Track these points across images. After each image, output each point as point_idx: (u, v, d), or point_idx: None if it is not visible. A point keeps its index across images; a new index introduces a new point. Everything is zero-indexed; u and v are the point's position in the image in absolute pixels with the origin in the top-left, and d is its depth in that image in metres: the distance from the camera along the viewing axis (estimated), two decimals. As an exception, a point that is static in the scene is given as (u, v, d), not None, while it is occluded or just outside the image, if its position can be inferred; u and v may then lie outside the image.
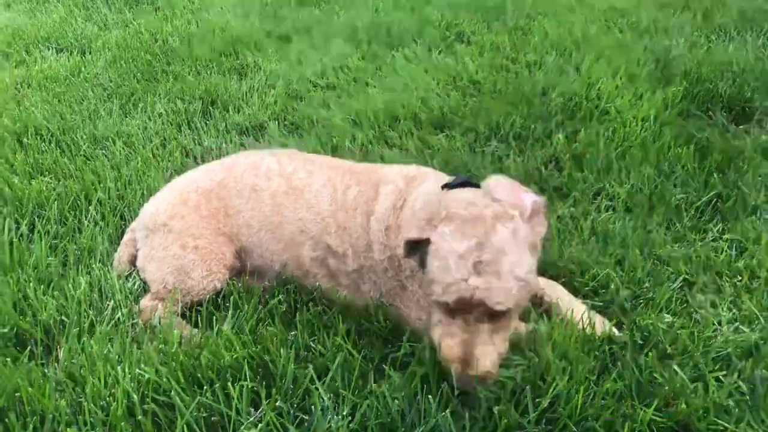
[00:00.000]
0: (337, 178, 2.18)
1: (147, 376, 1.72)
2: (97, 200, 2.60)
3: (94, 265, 2.23)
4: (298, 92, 3.70)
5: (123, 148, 3.08)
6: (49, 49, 4.46)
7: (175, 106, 3.52)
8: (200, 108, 3.52)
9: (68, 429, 1.62)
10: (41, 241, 2.32)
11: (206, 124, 3.36)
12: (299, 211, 2.15)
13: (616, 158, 2.83)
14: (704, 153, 2.83)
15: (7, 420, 1.66)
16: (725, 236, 2.37)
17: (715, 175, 2.65)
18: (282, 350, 1.80)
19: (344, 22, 4.70)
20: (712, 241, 2.38)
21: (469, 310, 1.65)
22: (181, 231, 2.16)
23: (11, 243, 2.31)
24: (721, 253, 2.28)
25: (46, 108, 3.50)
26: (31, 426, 1.64)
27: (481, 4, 4.98)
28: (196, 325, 2.05)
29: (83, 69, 4.04)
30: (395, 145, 3.09)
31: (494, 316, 1.65)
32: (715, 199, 2.55)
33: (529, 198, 1.80)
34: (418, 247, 1.78)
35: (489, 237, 1.66)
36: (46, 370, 1.83)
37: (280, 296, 2.07)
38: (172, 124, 3.35)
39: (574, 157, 2.87)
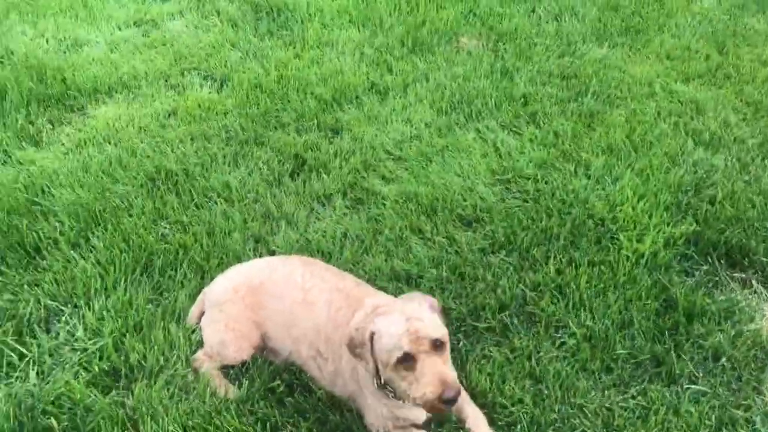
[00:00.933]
0: (335, 300, 2.99)
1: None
2: (189, 259, 3.62)
3: (171, 322, 3.27)
4: (373, 163, 4.46)
5: (222, 203, 4.08)
6: (198, 75, 5.53)
7: (273, 161, 4.44)
8: (291, 168, 4.41)
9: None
10: (142, 293, 3.39)
11: (292, 185, 4.25)
12: (306, 320, 3.01)
13: (594, 296, 3.41)
14: (667, 310, 3.34)
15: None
16: (638, 398, 2.96)
17: (665, 335, 3.20)
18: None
19: (437, 82, 5.33)
20: (631, 398, 2.98)
21: (418, 352, 2.40)
22: (229, 315, 3.11)
23: (125, 289, 3.41)
24: (625, 413, 2.89)
25: (180, 148, 4.55)
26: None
27: (569, 74, 5.39)
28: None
29: (218, 105, 5.05)
30: (425, 237, 3.83)
31: (437, 348, 2.43)
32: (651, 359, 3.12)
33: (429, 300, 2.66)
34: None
35: (403, 309, 2.53)
36: (125, 400, 2.90)
37: (280, 380, 3.00)
38: (266, 181, 4.28)
39: (558, 287, 3.48)
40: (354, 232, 3.84)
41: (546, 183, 4.21)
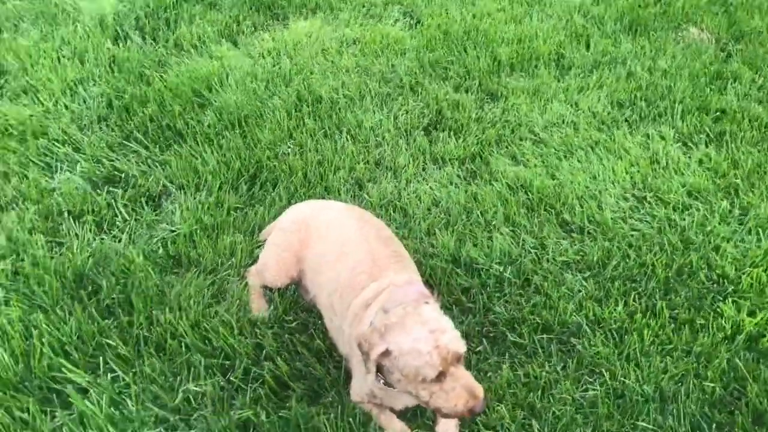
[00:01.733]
0: (362, 263, 3.00)
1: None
2: (289, 182, 3.87)
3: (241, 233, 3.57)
4: (509, 139, 4.25)
5: (348, 140, 4.22)
6: (399, 10, 5.61)
7: (414, 112, 4.45)
8: (426, 122, 4.38)
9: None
10: (234, 199, 3.73)
11: (420, 139, 4.24)
12: (331, 272, 3.09)
13: (654, 353, 2.99)
14: (732, 402, 2.82)
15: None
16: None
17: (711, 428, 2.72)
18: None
19: (630, 71, 4.79)
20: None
21: (447, 367, 2.35)
22: (281, 242, 3.30)
23: (225, 191, 3.79)
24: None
25: (341, 77, 4.75)
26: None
27: None
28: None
29: (398, 44, 5.12)
30: (514, 231, 3.62)
31: (460, 360, 2.40)
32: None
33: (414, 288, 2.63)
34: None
35: (423, 317, 2.40)
36: (170, 285, 3.31)
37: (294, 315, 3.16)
38: (397, 130, 4.32)
39: (620, 330, 3.11)
40: (446, 204, 3.75)
41: (685, 215, 3.65)
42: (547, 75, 4.78)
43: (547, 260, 3.45)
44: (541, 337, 3.08)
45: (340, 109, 4.46)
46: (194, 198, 3.78)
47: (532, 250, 3.50)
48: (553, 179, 3.92)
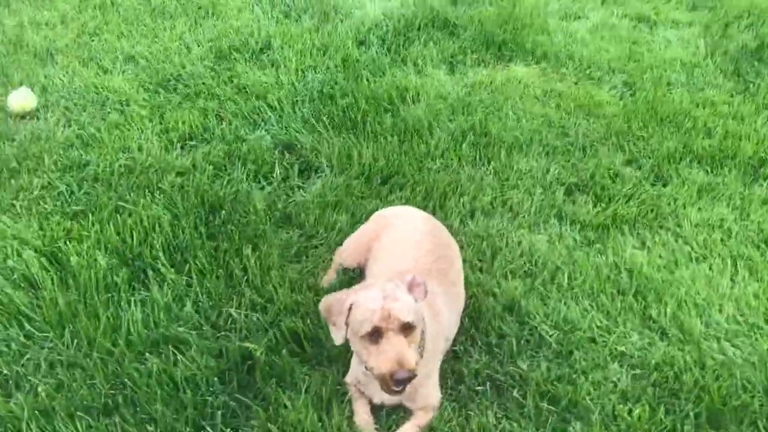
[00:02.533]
0: (403, 266, 3.25)
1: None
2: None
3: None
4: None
5: (490, 172, 4.42)
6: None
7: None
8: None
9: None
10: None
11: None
12: (383, 265, 3.38)
13: None
14: None
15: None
16: None
17: None
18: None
19: None
20: None
21: (387, 329, 2.63)
22: (363, 229, 3.70)
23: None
24: None
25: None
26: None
27: None
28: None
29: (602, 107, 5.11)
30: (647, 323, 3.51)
31: (406, 330, 2.66)
32: None
33: (411, 276, 2.84)
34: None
35: (383, 287, 2.73)
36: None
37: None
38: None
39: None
40: (539, 258, 3.77)
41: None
42: (733, 176, 4.37)
43: (604, 344, 3.29)
44: (544, 405, 3.00)
45: (500, 146, 4.64)
46: (336, 178, 4.33)
47: (595, 329, 3.36)
48: (669, 274, 3.65)
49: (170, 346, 3.16)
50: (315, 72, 5.53)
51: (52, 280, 3.49)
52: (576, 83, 5.50)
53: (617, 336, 3.31)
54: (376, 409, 3.01)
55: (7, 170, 4.41)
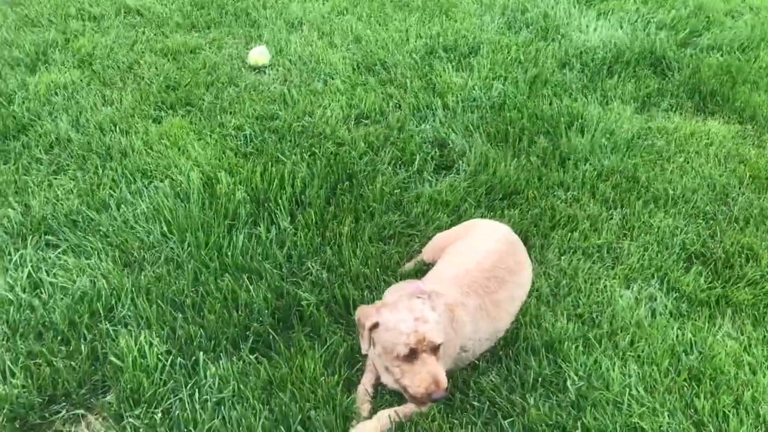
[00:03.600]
0: (451, 272, 3.48)
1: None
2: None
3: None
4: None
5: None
6: None
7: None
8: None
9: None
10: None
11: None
12: (440, 265, 3.63)
13: None
14: None
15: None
16: None
17: None
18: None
19: None
20: None
21: (420, 351, 2.81)
22: (451, 232, 3.95)
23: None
24: None
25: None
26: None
27: None
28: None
29: None
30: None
31: (435, 350, 2.85)
32: None
33: (429, 291, 3.05)
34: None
35: (412, 307, 2.88)
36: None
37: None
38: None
39: None
40: (620, 316, 3.68)
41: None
42: None
43: (628, 414, 3.17)
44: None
45: (641, 195, 4.49)
46: (464, 182, 4.59)
47: (625, 396, 3.24)
48: (751, 374, 3.34)
49: (248, 275, 3.78)
50: (503, 83, 5.74)
51: (199, 199, 4.32)
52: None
53: (645, 411, 3.16)
54: (379, 386, 3.30)
55: (220, 109, 5.42)
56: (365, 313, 3.01)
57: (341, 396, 3.17)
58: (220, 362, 3.33)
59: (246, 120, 5.26)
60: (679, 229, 4.22)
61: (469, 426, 3.09)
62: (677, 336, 3.52)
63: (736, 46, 6.29)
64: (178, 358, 3.33)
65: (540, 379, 3.30)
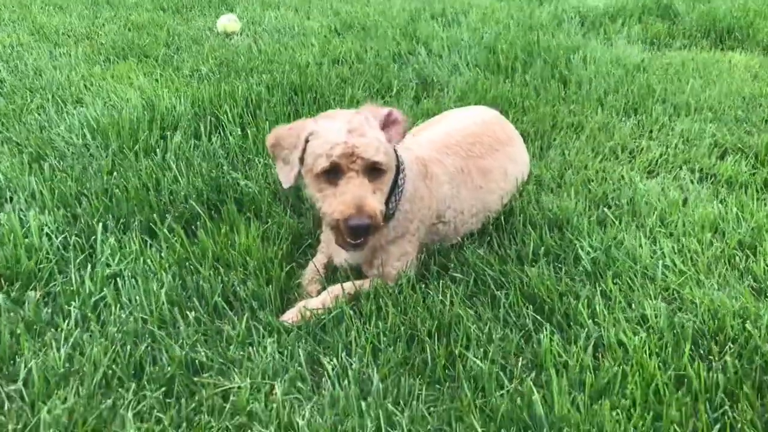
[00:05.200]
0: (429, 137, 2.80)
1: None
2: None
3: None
4: None
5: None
6: None
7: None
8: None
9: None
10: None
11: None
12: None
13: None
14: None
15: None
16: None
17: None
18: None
19: None
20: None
21: (348, 169, 2.13)
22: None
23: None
24: None
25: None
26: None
27: None
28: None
29: None
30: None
31: (372, 173, 2.17)
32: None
33: (388, 110, 2.31)
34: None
35: (350, 119, 2.21)
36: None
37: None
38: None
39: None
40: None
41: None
42: None
43: (662, 281, 2.35)
44: (526, 311, 2.22)
45: (658, 103, 3.79)
46: (449, 102, 3.93)
47: (659, 267, 2.43)
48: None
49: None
50: (493, 28, 5.17)
51: (135, 112, 3.65)
52: None
53: (687, 278, 2.33)
54: (333, 270, 2.51)
55: (177, 59, 4.84)
56: (301, 125, 2.28)
57: (278, 271, 2.38)
58: (125, 239, 2.56)
59: (204, 64, 4.67)
60: (707, 132, 3.48)
61: (448, 294, 2.27)
62: (719, 213, 2.73)
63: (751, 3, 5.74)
64: (73, 237, 2.56)
65: (542, 251, 2.49)
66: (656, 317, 2.13)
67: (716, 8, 5.27)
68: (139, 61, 4.77)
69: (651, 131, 3.52)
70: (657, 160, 3.21)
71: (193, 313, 2.20)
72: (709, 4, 5.51)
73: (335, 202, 2.13)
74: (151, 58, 4.83)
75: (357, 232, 2.13)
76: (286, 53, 4.93)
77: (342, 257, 2.47)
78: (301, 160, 2.25)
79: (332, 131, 2.17)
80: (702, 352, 1.99)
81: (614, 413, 1.76)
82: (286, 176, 2.28)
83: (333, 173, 2.15)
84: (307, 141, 2.22)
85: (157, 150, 3.25)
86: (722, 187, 2.99)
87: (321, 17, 5.97)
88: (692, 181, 3.03)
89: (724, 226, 2.65)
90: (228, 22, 5.61)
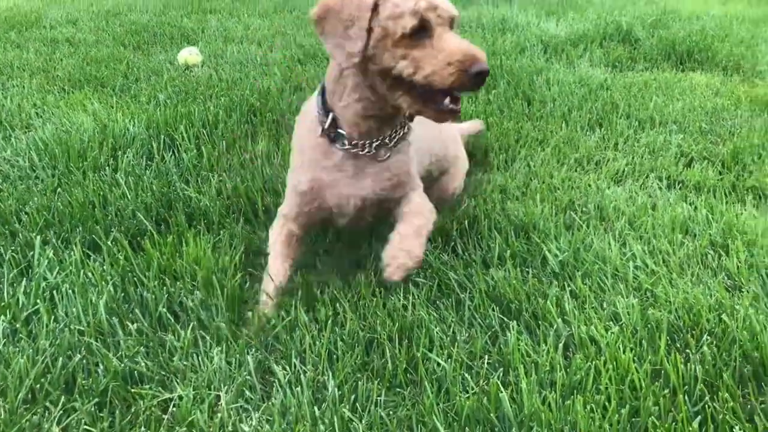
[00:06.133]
0: None
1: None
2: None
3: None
4: None
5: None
6: None
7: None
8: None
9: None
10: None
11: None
12: None
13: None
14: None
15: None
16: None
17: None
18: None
19: None
20: None
21: (434, 25, 1.90)
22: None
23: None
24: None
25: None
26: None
27: None
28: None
29: None
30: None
31: (452, 27, 1.96)
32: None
33: None
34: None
35: None
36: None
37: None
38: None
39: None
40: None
41: None
42: None
43: (634, 280, 2.25)
44: (492, 313, 2.09)
45: (621, 117, 3.75)
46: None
47: (630, 267, 2.33)
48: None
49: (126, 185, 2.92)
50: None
51: (86, 135, 3.50)
52: (769, 88, 4.31)
53: (659, 277, 2.23)
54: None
55: (135, 88, 4.72)
56: None
57: (230, 281, 2.23)
58: (66, 253, 2.39)
59: (162, 92, 4.56)
60: (673, 143, 3.45)
61: (409, 297, 2.13)
62: (689, 215, 2.65)
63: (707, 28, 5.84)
64: (9, 252, 2.38)
65: (508, 254, 2.38)
66: (629, 314, 2.01)
67: (675, 33, 5.35)
68: (95, 90, 4.64)
69: (616, 143, 3.47)
70: (623, 170, 3.15)
71: (134, 324, 2.04)
72: (668, 30, 5.59)
73: (440, 57, 1.85)
74: (108, 87, 4.71)
75: (482, 79, 1.87)
76: (247, 80, 4.84)
77: (351, 190, 2.20)
78: (368, 30, 1.94)
79: None
80: (678, 345, 1.88)
81: (588, 408, 1.63)
82: (349, 51, 1.94)
83: (419, 33, 1.90)
84: (374, 7, 1.93)
85: (107, 168, 3.10)
86: (690, 192, 2.93)
87: (285, 50, 5.92)
88: (660, 188, 2.96)
89: (695, 227, 2.57)
90: (189, 54, 5.52)
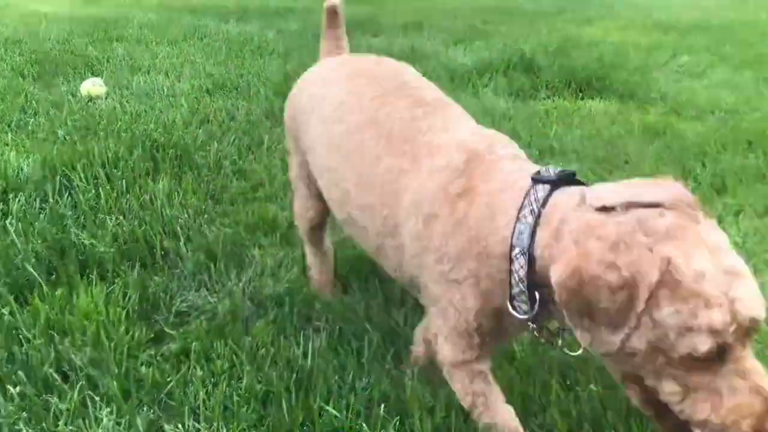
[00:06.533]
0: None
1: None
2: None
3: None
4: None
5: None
6: None
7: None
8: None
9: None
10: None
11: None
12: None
13: None
14: None
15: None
16: None
17: None
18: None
19: None
20: None
21: (737, 341, 1.20)
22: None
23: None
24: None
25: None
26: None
27: None
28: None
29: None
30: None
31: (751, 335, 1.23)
32: None
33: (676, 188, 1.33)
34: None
35: (709, 235, 1.24)
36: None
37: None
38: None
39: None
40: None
41: None
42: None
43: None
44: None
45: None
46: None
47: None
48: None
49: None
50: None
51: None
52: (662, 115, 4.54)
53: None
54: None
55: (33, 123, 4.52)
56: (636, 254, 1.20)
57: (122, 335, 2.15)
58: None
59: (62, 127, 4.39)
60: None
61: (309, 345, 2.11)
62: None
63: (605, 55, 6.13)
64: None
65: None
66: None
67: (574, 60, 5.58)
68: (-16, 129, 4.42)
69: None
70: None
71: (17, 387, 1.93)
72: (568, 58, 5.83)
73: (730, 403, 1.21)
74: (4, 123, 4.49)
75: None
76: (152, 113, 4.73)
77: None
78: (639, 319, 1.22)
79: (708, 280, 1.18)
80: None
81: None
82: (607, 342, 1.26)
83: (716, 357, 1.21)
84: (657, 286, 1.20)
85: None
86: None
87: (193, 80, 5.82)
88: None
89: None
90: (92, 86, 5.35)
